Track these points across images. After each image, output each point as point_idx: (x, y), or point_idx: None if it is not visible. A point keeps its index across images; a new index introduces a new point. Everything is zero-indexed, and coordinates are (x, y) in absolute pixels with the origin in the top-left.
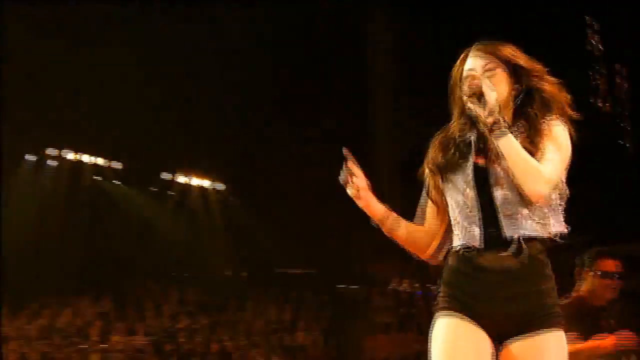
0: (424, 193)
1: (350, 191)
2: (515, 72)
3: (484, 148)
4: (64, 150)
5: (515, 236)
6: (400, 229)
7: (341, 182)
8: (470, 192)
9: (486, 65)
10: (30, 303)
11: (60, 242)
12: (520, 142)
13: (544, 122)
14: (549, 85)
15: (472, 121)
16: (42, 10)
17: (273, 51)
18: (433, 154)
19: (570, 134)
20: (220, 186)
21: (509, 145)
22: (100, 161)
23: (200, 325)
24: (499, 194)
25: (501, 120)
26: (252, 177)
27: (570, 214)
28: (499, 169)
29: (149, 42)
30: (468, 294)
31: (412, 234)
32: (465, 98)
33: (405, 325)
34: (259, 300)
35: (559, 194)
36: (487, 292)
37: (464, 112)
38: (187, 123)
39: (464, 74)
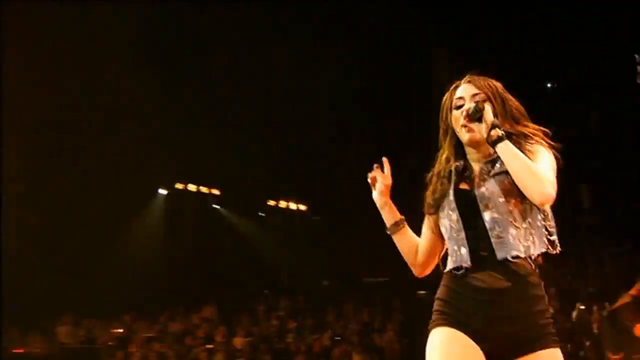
0: (426, 217)
1: (377, 187)
2: (500, 108)
3: (470, 175)
4: (189, 184)
5: (506, 257)
6: (407, 239)
7: (368, 178)
8: (455, 216)
9: (476, 96)
10: (165, 311)
11: (184, 260)
12: None
13: (527, 146)
14: (530, 126)
15: (458, 151)
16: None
17: (350, 83)
18: (429, 190)
19: (556, 158)
20: (303, 207)
21: (513, 152)
22: (215, 191)
23: (305, 326)
24: (487, 215)
25: (503, 132)
26: (333, 197)
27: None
28: (486, 192)
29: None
30: (463, 312)
31: (414, 247)
32: (460, 124)
33: None
34: (351, 306)
35: (543, 214)
36: (481, 311)
37: (452, 141)
38: (273, 153)
39: (454, 102)
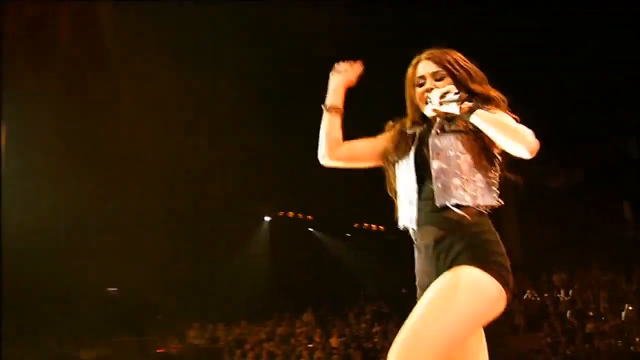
0: (368, 140)
1: (345, 74)
2: (460, 77)
3: (427, 141)
4: (289, 212)
5: (445, 203)
6: (334, 124)
7: (337, 65)
8: (412, 175)
9: (436, 73)
10: (273, 317)
11: (287, 275)
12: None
13: (492, 109)
14: (491, 90)
15: (422, 119)
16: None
17: None
18: (388, 146)
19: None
20: (382, 227)
21: (488, 118)
22: (309, 217)
23: (388, 328)
24: (435, 164)
25: (469, 105)
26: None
27: None
28: (439, 144)
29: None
30: (420, 274)
31: (335, 135)
32: (423, 102)
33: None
34: None
35: (494, 171)
36: (427, 266)
37: (416, 110)
38: (356, 183)
39: (416, 80)
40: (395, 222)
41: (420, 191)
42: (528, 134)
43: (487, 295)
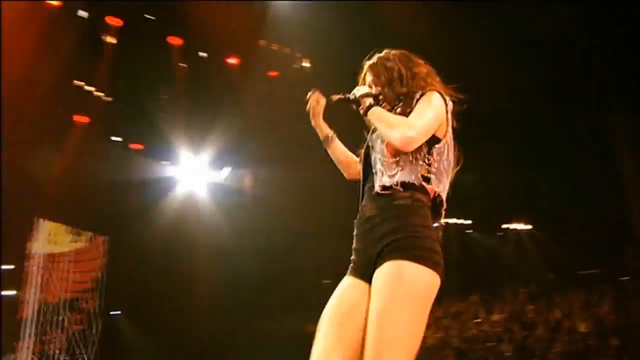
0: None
1: (311, 105)
2: (383, 80)
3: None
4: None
5: (375, 187)
6: (339, 150)
7: (307, 99)
8: (361, 169)
9: (370, 82)
10: (444, 299)
11: (453, 267)
12: (400, 113)
13: (422, 94)
14: (426, 82)
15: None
16: None
17: None
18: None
19: (445, 102)
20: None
21: (374, 114)
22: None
23: (539, 306)
24: (372, 156)
25: (367, 104)
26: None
27: None
28: (374, 137)
29: None
30: (357, 252)
31: (347, 158)
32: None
33: None
34: (574, 290)
35: (426, 159)
36: (361, 243)
37: None
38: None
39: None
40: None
41: (365, 179)
42: (404, 128)
43: (423, 285)
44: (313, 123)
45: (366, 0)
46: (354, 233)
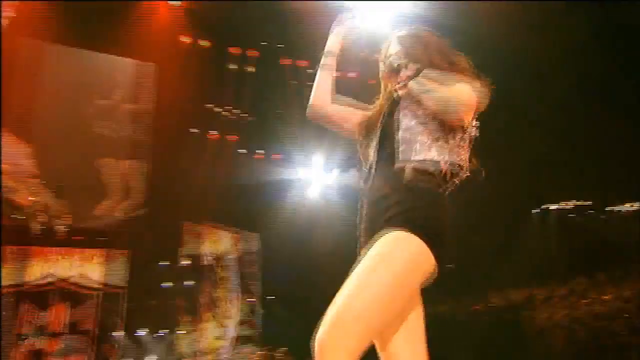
0: (357, 108)
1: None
2: (419, 55)
3: (392, 118)
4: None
5: (395, 166)
6: (329, 77)
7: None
8: (375, 147)
9: (399, 52)
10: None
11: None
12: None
13: (448, 79)
14: (457, 63)
15: (387, 99)
16: None
17: None
18: (360, 131)
19: (477, 89)
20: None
21: (424, 88)
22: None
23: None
24: (398, 137)
25: (413, 75)
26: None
27: None
28: (399, 117)
29: None
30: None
31: (328, 88)
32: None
33: None
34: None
35: (445, 134)
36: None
37: (385, 88)
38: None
39: (385, 60)
40: None
41: (379, 162)
42: (457, 106)
43: (407, 253)
44: (335, 30)
45: None
46: (362, 211)
